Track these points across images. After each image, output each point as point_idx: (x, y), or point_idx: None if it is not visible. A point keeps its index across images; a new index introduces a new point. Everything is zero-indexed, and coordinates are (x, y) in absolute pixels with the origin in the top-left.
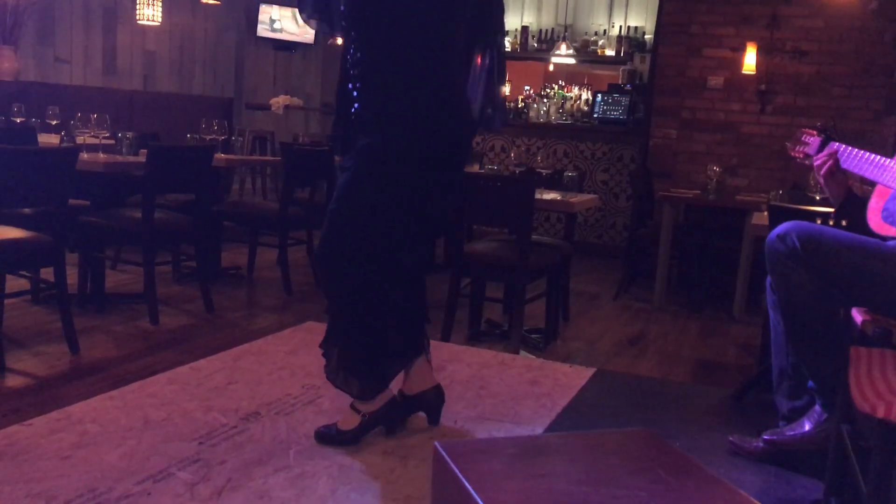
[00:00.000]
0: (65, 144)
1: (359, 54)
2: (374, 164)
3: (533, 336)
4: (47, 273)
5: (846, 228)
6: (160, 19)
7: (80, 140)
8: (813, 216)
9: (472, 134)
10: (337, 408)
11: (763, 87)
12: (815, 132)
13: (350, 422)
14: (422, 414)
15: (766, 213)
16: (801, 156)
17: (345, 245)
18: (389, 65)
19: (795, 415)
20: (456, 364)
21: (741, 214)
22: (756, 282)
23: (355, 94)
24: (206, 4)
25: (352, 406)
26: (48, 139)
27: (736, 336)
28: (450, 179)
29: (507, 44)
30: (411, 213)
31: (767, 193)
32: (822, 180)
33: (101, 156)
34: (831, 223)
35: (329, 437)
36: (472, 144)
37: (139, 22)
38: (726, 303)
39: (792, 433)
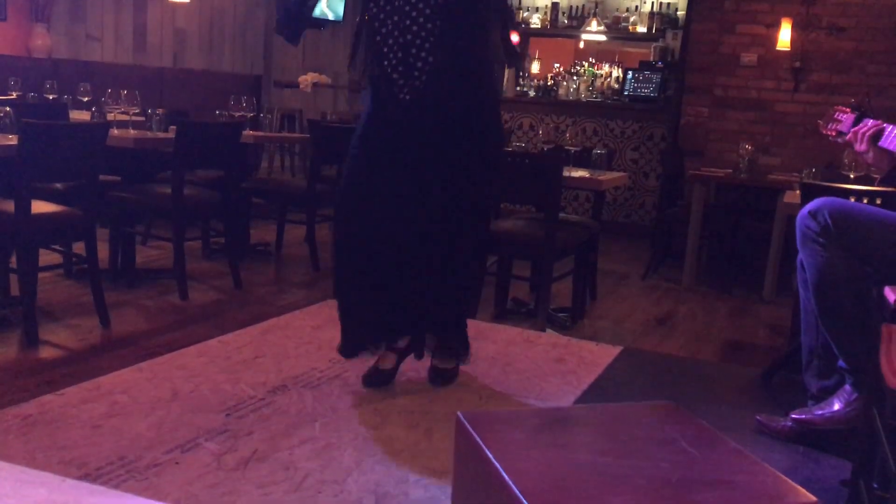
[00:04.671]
0: (96, 120)
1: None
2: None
3: (559, 314)
4: (79, 248)
5: (880, 206)
6: None
7: (110, 116)
8: (847, 194)
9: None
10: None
11: (798, 64)
12: (848, 109)
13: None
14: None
15: (798, 192)
16: (834, 133)
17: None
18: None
19: (825, 394)
20: (482, 341)
21: (773, 194)
22: (787, 262)
23: (423, 55)
24: None
25: None
26: (80, 115)
27: (766, 317)
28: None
29: (538, 20)
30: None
31: (800, 173)
32: (864, 150)
33: (132, 132)
34: (879, 202)
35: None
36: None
37: None
38: (757, 283)
39: (821, 412)
